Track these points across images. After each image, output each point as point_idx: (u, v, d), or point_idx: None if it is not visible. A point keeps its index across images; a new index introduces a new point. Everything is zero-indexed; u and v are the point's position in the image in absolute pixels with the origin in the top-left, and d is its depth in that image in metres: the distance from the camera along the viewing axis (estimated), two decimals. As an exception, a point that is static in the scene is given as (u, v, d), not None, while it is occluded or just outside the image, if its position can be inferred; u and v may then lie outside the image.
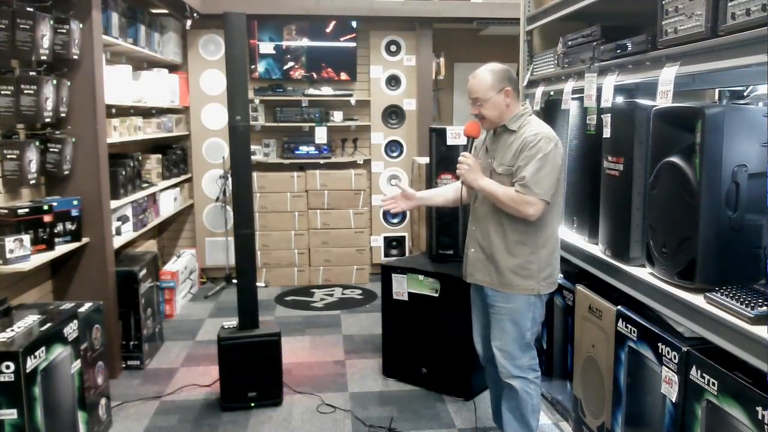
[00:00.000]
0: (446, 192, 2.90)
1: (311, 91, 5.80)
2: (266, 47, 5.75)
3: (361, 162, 6.03)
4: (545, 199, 2.45)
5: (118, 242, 3.96)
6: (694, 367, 1.93)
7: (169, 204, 5.20)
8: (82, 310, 2.94)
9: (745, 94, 2.73)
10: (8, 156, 3.09)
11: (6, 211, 3.04)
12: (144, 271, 4.00)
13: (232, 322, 3.45)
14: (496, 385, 2.82)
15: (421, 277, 3.56)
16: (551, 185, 2.46)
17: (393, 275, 3.65)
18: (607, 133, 2.59)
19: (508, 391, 2.67)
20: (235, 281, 4.35)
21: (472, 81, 2.58)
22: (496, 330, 2.63)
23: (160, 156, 5.02)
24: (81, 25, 3.43)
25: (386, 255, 5.97)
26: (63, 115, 3.39)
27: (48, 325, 2.58)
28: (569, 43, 3.04)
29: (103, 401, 3.13)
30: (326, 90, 5.83)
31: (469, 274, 2.72)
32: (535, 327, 2.64)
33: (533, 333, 2.63)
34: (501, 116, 2.57)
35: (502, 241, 2.57)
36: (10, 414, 2.28)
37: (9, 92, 2.99)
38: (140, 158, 4.63)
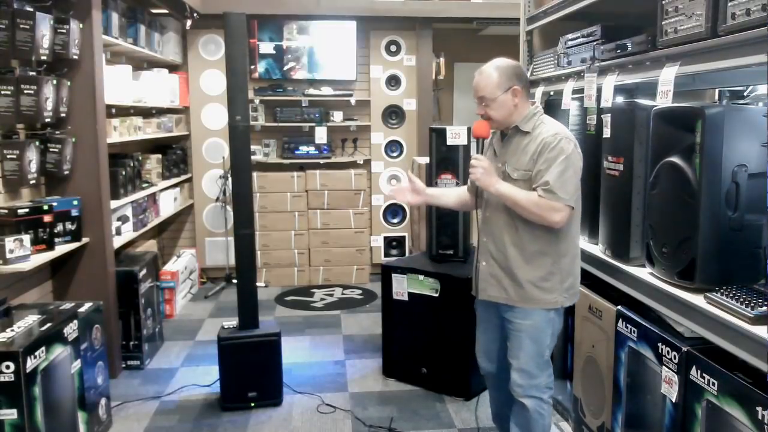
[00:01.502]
0: (459, 193, 2.75)
1: (311, 91, 5.80)
2: (266, 47, 5.75)
3: (361, 162, 6.03)
4: (570, 205, 2.29)
5: (118, 242, 3.96)
6: (694, 367, 1.93)
7: (169, 204, 5.20)
8: (82, 310, 2.94)
9: (745, 94, 2.73)
10: (8, 156, 3.09)
11: (6, 211, 3.04)
12: (144, 271, 4.00)
13: (232, 322, 3.46)
14: (499, 391, 2.70)
15: (421, 277, 3.56)
16: (575, 189, 2.31)
17: (393, 275, 3.65)
18: (607, 133, 2.59)
19: (519, 408, 2.48)
20: (235, 281, 4.35)
21: (477, 78, 2.39)
22: (514, 348, 2.44)
23: (160, 156, 5.02)
24: (81, 25, 3.43)
25: (386, 255, 5.97)
26: (63, 115, 3.39)
27: (48, 325, 2.58)
28: (569, 43, 3.04)
29: (103, 401, 3.13)
30: (326, 90, 5.83)
31: (482, 290, 2.50)
32: (553, 342, 2.47)
33: (551, 348, 2.47)
34: (509, 117, 2.39)
35: (519, 252, 2.37)
36: (10, 414, 2.28)
37: (9, 92, 2.99)
38: (140, 158, 4.63)
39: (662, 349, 2.10)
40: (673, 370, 2.03)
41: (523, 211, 2.31)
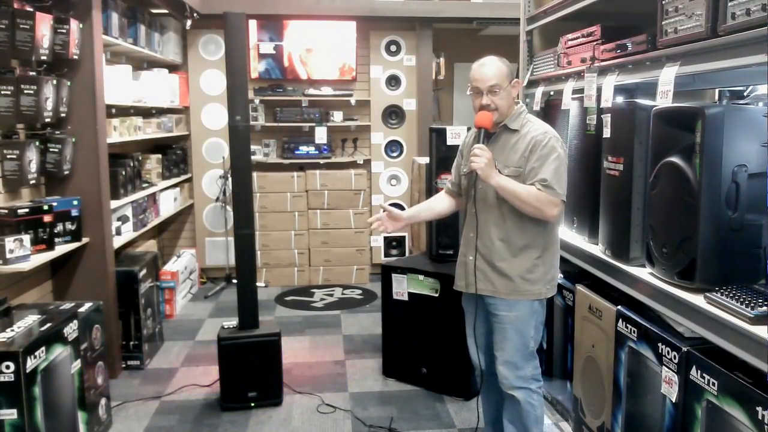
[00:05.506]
0: (433, 205, 2.78)
1: (311, 91, 5.80)
2: (266, 47, 5.75)
3: (361, 162, 6.03)
4: (564, 200, 2.40)
5: (118, 242, 3.96)
6: (694, 367, 1.93)
7: (169, 204, 5.20)
8: (82, 310, 2.94)
9: (745, 94, 2.73)
10: (8, 156, 3.09)
11: (6, 211, 3.04)
12: (144, 271, 4.00)
13: (232, 322, 3.46)
14: (493, 395, 2.71)
15: (421, 277, 3.56)
16: (566, 185, 2.41)
17: (393, 275, 3.65)
18: (607, 133, 2.59)
19: (509, 402, 2.55)
20: (235, 281, 4.35)
21: (485, 68, 2.42)
22: (499, 340, 2.51)
23: (160, 156, 5.03)
24: (81, 25, 3.43)
25: (386, 255, 5.97)
26: (63, 115, 3.39)
27: (48, 325, 2.58)
28: (569, 43, 3.04)
29: (103, 401, 3.13)
30: (326, 90, 5.84)
31: (469, 284, 2.55)
32: (537, 334, 2.54)
33: (536, 341, 2.53)
34: (508, 110, 2.46)
35: (507, 246, 2.45)
36: (10, 414, 2.28)
37: (9, 92, 2.99)
38: (140, 158, 4.63)
39: (662, 349, 2.10)
40: (673, 370, 2.03)
41: (522, 205, 2.36)
